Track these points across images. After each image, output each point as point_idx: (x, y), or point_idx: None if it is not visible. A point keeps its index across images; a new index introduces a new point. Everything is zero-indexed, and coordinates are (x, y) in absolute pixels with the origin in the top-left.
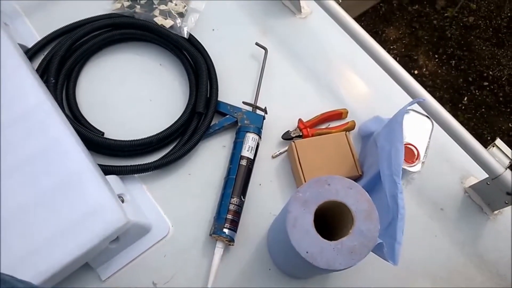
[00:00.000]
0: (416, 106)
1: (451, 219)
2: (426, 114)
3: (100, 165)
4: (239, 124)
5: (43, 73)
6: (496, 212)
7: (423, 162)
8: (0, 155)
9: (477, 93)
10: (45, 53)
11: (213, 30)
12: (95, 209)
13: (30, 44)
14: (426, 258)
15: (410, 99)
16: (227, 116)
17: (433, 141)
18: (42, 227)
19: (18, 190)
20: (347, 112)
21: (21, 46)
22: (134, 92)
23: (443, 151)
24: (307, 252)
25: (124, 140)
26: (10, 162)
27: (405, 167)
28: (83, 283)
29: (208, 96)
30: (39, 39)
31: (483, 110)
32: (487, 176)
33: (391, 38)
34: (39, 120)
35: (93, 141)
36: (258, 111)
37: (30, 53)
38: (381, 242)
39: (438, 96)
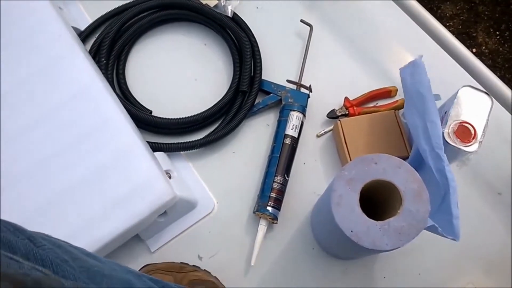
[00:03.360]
0: (474, 82)
1: (510, 205)
2: (485, 90)
3: (148, 142)
4: (283, 102)
5: (95, 54)
6: None
7: (480, 142)
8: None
9: None
10: (97, 35)
11: (257, 8)
12: (144, 184)
13: (82, 27)
14: (480, 244)
15: (469, 77)
16: (271, 94)
17: (492, 120)
18: (95, 200)
19: (74, 166)
20: (397, 90)
21: (75, 29)
22: (180, 72)
23: (503, 130)
24: (352, 231)
25: (171, 118)
26: (66, 139)
27: (461, 147)
28: (134, 253)
29: (252, 74)
30: (90, 22)
31: None
32: None
33: (448, 15)
34: (92, 99)
35: (142, 119)
36: (302, 89)
37: (83, 36)
38: (433, 224)
39: (498, 76)
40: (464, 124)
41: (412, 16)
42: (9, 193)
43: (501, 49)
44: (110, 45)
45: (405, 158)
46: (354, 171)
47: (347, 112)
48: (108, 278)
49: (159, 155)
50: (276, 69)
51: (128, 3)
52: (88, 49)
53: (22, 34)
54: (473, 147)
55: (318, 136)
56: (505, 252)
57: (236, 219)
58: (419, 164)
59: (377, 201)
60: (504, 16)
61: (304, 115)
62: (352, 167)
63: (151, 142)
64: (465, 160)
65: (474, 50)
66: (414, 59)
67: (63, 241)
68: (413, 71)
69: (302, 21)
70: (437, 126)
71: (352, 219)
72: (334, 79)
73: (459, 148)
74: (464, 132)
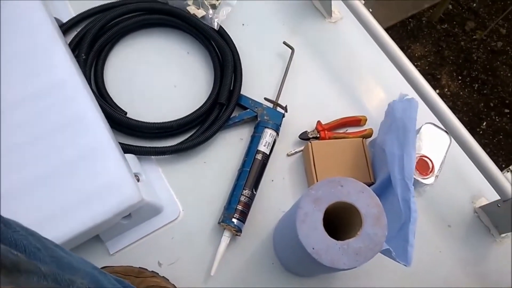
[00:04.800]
0: (436, 120)
1: (458, 237)
2: (445, 129)
3: (120, 143)
4: (259, 119)
5: (74, 48)
6: (503, 235)
7: (436, 176)
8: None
9: (497, 120)
10: (78, 29)
11: (243, 25)
12: (112, 184)
13: (64, 19)
14: (428, 272)
15: (432, 114)
16: (248, 110)
17: (449, 157)
18: (59, 196)
19: (40, 158)
20: (366, 120)
21: (57, 20)
22: (159, 77)
23: (458, 168)
24: (313, 248)
25: (146, 122)
26: (36, 131)
27: (419, 179)
28: (92, 254)
29: (231, 88)
30: (73, 15)
31: (501, 137)
32: (499, 198)
33: (416, 55)
34: (67, 92)
35: (116, 119)
36: (278, 109)
37: (64, 28)
38: (388, 248)
39: (457, 117)
40: (423, 158)
41: (388, 54)
42: None
43: (461, 93)
44: (91, 41)
45: (368, 184)
46: (320, 191)
47: (318, 135)
48: (76, 270)
49: (130, 157)
50: (255, 86)
51: (115, 2)
52: (68, 42)
53: (3, 18)
54: (429, 180)
55: (288, 155)
56: (451, 280)
57: (200, 228)
58: (383, 190)
59: (339, 221)
60: (467, 63)
61: (278, 134)
62: (319, 187)
63: (123, 144)
64: (421, 191)
65: (437, 91)
66: (410, 97)
67: (33, 230)
68: (406, 107)
69: (285, 43)
70: (412, 159)
71: (315, 237)
72: (309, 102)
73: (417, 180)
74: (423, 165)
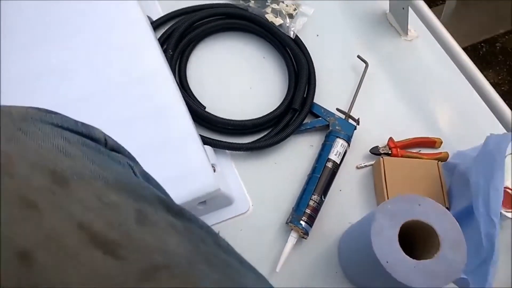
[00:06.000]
0: None
1: None
2: None
3: (199, 135)
4: (330, 128)
5: (162, 44)
6: None
7: None
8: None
9: None
10: (166, 28)
11: (317, 35)
12: (193, 171)
13: (154, 18)
14: None
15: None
16: (320, 118)
17: None
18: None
19: (132, 139)
20: (441, 142)
21: (148, 18)
22: (236, 77)
23: None
24: (387, 262)
25: (223, 118)
26: (128, 114)
27: (502, 211)
28: None
29: (304, 95)
30: (162, 14)
31: None
32: None
33: (489, 82)
34: (157, 83)
35: (196, 112)
36: (350, 120)
37: (154, 26)
38: (466, 278)
39: None
40: (508, 189)
41: (467, 76)
42: None
43: None
44: (178, 39)
45: None
46: (397, 207)
47: (389, 152)
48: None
49: (207, 149)
50: (327, 96)
51: (201, 5)
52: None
53: (106, 17)
54: None
55: (357, 168)
56: None
57: (267, 224)
58: (462, 220)
59: (412, 239)
60: None
61: (349, 145)
62: (396, 203)
63: (202, 136)
64: (503, 225)
65: None
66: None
67: None
68: (501, 142)
69: (359, 57)
70: (499, 195)
71: (389, 251)
72: (381, 118)
73: (500, 212)
74: (507, 197)
